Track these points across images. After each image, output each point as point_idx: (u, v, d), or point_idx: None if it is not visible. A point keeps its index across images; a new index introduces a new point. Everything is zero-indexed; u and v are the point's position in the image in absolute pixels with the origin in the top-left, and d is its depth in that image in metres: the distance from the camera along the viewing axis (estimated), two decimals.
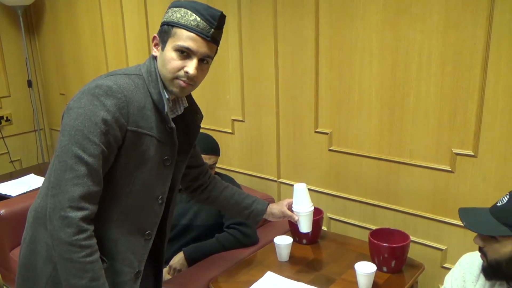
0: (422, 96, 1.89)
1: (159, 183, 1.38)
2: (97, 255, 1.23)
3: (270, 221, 2.35)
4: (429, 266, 1.98)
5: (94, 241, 1.22)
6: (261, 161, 2.58)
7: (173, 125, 1.34)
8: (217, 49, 1.35)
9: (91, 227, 1.21)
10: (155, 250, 1.55)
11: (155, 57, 1.34)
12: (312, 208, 1.75)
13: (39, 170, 3.27)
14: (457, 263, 1.41)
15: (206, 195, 1.71)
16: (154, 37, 1.33)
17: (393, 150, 2.04)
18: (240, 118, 2.59)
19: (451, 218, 1.92)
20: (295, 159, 2.42)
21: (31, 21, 3.85)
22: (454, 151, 1.86)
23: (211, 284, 1.81)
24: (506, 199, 1.19)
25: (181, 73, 1.28)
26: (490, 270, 1.24)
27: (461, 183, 1.87)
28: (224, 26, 1.34)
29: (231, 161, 2.68)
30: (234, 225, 2.12)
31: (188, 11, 1.26)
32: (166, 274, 1.99)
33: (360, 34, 2.02)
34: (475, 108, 1.77)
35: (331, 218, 2.35)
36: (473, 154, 1.82)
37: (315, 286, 1.75)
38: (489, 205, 1.27)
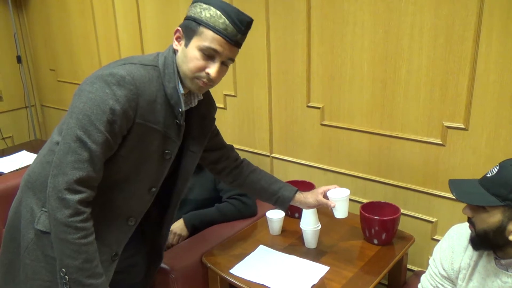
0: (414, 69, 1.88)
1: (155, 175, 1.40)
2: (93, 237, 1.24)
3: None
4: (419, 238, 2.00)
5: (90, 223, 1.23)
6: (254, 136, 2.57)
7: (183, 122, 1.35)
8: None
9: (88, 210, 1.22)
10: (153, 238, 1.61)
11: (175, 50, 1.32)
12: (349, 192, 1.65)
13: (31, 146, 3.26)
14: (445, 235, 1.42)
15: (231, 179, 1.71)
16: (177, 30, 1.31)
17: (385, 124, 2.04)
18: (232, 93, 2.57)
19: (441, 190, 1.93)
20: (287, 133, 2.42)
21: None
22: (445, 124, 1.86)
23: (204, 258, 1.83)
24: (496, 170, 1.20)
25: (203, 74, 1.28)
26: (478, 240, 1.26)
27: (452, 156, 1.88)
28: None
29: (224, 136, 2.60)
30: (235, 195, 2.15)
31: (217, 12, 1.23)
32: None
33: (352, 6, 1.99)
34: (466, 81, 1.77)
35: None
36: (464, 127, 1.82)
37: (307, 259, 1.78)
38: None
